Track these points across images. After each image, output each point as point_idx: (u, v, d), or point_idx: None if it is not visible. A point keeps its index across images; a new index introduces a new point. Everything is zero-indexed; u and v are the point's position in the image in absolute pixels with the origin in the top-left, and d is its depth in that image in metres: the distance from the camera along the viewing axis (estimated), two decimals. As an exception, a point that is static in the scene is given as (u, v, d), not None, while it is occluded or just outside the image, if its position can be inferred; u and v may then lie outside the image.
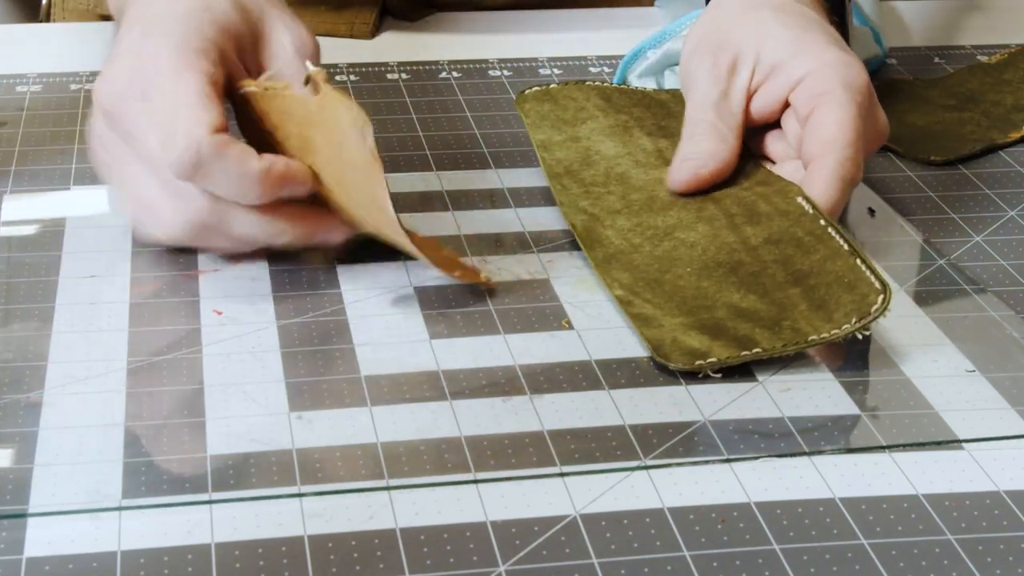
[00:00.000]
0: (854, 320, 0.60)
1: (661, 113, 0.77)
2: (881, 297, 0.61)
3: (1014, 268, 0.70)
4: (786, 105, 0.72)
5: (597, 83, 0.80)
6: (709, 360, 0.60)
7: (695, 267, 0.65)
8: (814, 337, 0.60)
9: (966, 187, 0.78)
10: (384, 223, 0.65)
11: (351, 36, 0.96)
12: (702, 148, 0.71)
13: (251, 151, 0.63)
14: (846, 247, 0.64)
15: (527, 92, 0.79)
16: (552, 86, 0.80)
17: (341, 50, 0.94)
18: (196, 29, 0.67)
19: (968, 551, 0.51)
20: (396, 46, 0.96)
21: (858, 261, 0.63)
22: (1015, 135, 0.83)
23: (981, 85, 0.90)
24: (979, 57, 0.95)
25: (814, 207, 0.66)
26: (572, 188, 0.72)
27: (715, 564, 0.50)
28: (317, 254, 0.69)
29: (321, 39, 0.95)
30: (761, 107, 0.73)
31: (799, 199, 0.67)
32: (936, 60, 0.95)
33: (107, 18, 0.99)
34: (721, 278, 0.64)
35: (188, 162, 0.63)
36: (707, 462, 0.56)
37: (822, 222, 0.66)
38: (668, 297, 0.64)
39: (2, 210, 0.73)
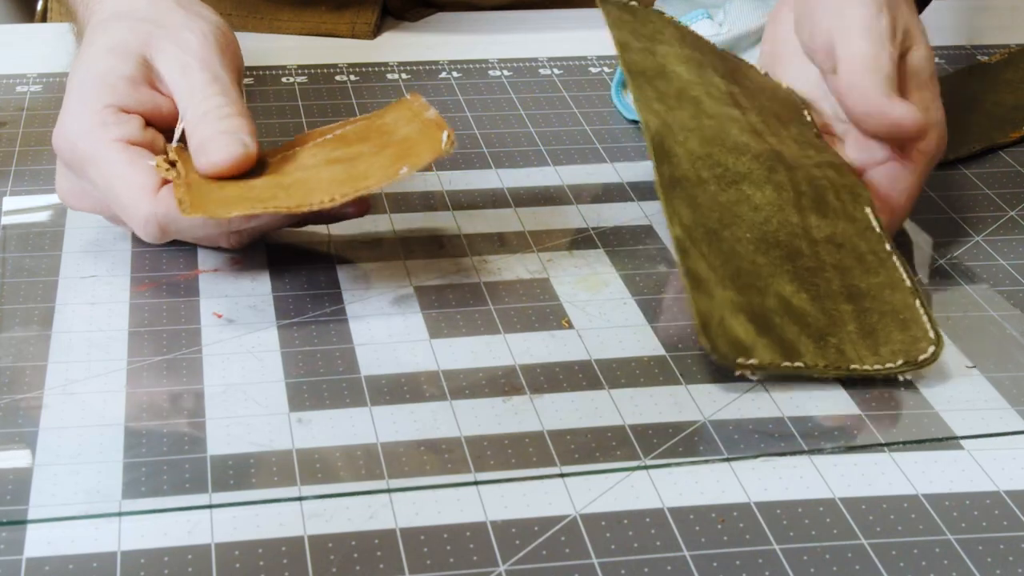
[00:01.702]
0: (900, 362, 0.60)
1: (732, 66, 0.74)
2: (932, 348, 0.60)
3: (1014, 268, 0.70)
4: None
5: (672, 18, 0.75)
6: (751, 361, 0.59)
7: (755, 235, 0.63)
8: (856, 367, 0.60)
9: (966, 187, 0.78)
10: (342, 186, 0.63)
11: (352, 36, 0.96)
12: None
13: None
14: (908, 283, 0.63)
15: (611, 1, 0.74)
16: (634, 3, 0.75)
17: (341, 50, 0.94)
18: (105, 84, 0.67)
19: (968, 551, 0.51)
20: (396, 46, 0.96)
21: (917, 302, 0.62)
22: (1015, 135, 0.83)
23: (981, 85, 0.90)
24: (979, 57, 0.95)
25: (881, 226, 0.66)
26: (647, 89, 0.68)
27: (715, 564, 0.50)
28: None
29: (321, 39, 0.96)
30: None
31: (867, 209, 0.66)
32: (936, 60, 0.95)
33: None
34: (777, 261, 0.63)
35: (154, 235, 0.66)
36: (707, 462, 0.56)
37: (887, 247, 0.65)
38: (723, 260, 0.62)
39: (2, 210, 0.73)
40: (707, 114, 0.68)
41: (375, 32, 0.97)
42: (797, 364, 0.60)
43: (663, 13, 0.76)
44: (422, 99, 0.69)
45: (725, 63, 0.74)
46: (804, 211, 0.65)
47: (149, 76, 0.69)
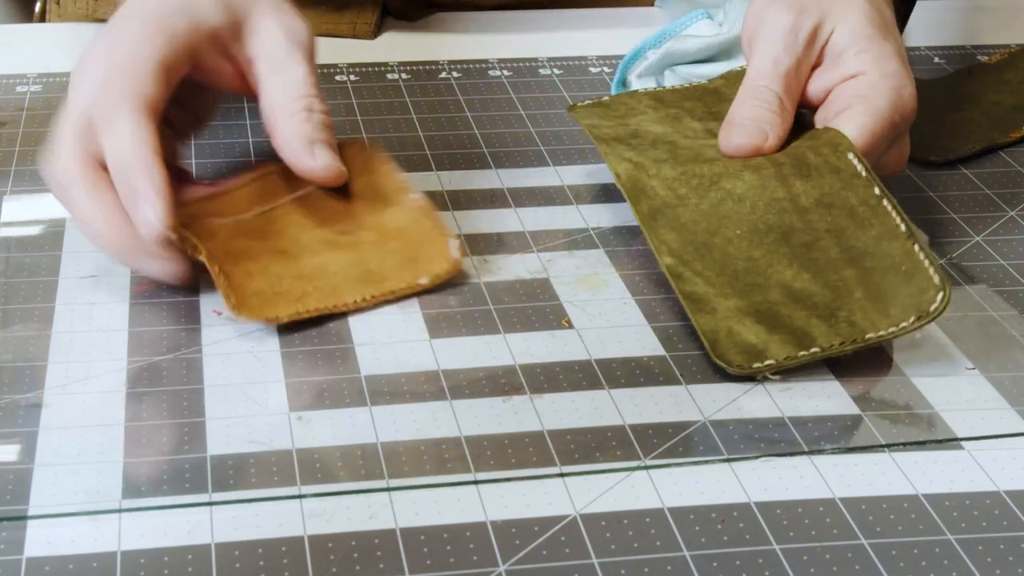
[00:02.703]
0: (912, 318, 0.60)
1: (713, 99, 0.75)
2: (941, 296, 0.60)
3: (1014, 268, 0.70)
4: (827, 94, 0.71)
5: (650, 89, 0.78)
6: (767, 362, 0.59)
7: (744, 229, 0.64)
8: (871, 335, 0.60)
9: (966, 187, 0.78)
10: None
11: (353, 36, 0.96)
12: (765, 117, 0.69)
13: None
14: (903, 227, 0.63)
15: (578, 104, 0.77)
16: (604, 98, 0.77)
17: (341, 50, 0.94)
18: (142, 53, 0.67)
19: (968, 551, 0.51)
20: (396, 46, 0.96)
21: (916, 247, 0.62)
22: (1015, 135, 0.83)
23: (981, 85, 0.90)
24: (979, 57, 0.95)
25: (867, 168, 0.65)
26: (618, 147, 0.70)
27: (715, 564, 0.50)
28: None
29: (321, 39, 0.96)
30: (810, 90, 0.71)
31: (850, 155, 0.65)
32: (936, 60, 0.95)
33: (105, 22, 0.99)
34: (772, 247, 0.63)
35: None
36: (707, 462, 0.56)
37: (876, 190, 0.64)
38: (719, 269, 0.63)
39: (2, 210, 0.73)
40: (681, 147, 0.70)
41: (375, 32, 0.97)
42: (813, 350, 0.60)
43: (637, 91, 0.78)
44: (379, 154, 0.72)
45: (705, 102, 0.75)
46: (787, 180, 0.65)
47: (230, 37, 0.70)
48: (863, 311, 0.61)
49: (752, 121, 0.69)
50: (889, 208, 0.64)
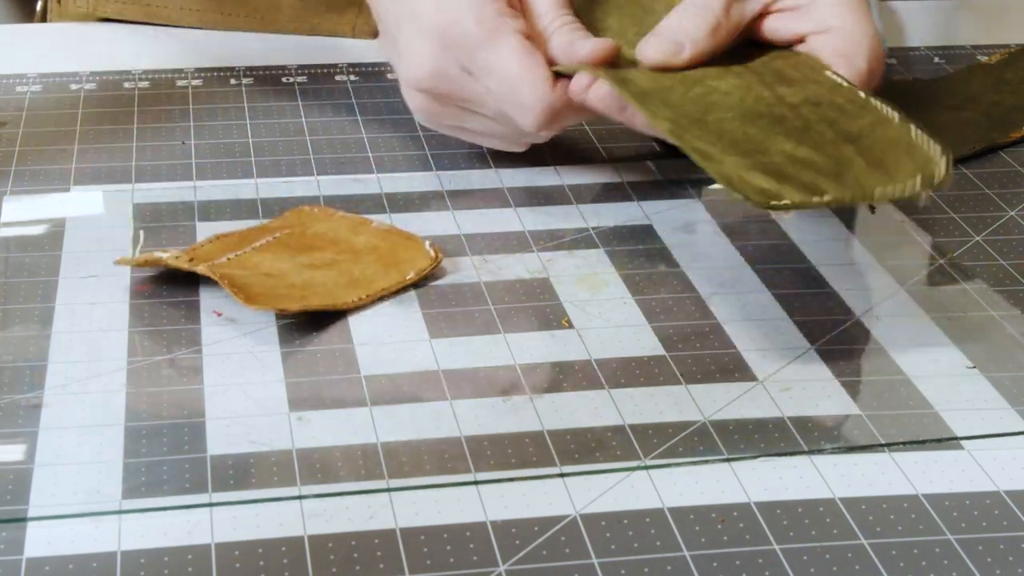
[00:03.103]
0: (918, 178, 0.59)
1: None
2: (944, 162, 0.59)
3: (1014, 268, 0.70)
4: (798, 41, 0.71)
5: None
6: (783, 202, 0.58)
7: (736, 113, 0.63)
8: (879, 188, 0.59)
9: (966, 187, 0.78)
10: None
11: (353, 36, 0.96)
12: (690, 29, 0.69)
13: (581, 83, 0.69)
14: (896, 117, 0.62)
15: None
16: None
17: (341, 50, 0.94)
18: None
19: (968, 551, 0.51)
20: (396, 46, 0.95)
21: (912, 128, 0.61)
22: (1015, 135, 0.83)
23: (981, 85, 0.90)
24: (979, 57, 0.95)
25: (847, 81, 0.65)
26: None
27: (715, 564, 0.50)
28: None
29: (322, 39, 0.96)
30: (774, 29, 0.71)
31: (828, 72, 0.65)
32: (936, 60, 0.95)
33: (107, 20, 0.99)
34: (767, 127, 0.63)
35: (543, 122, 0.70)
36: (707, 462, 0.56)
37: (862, 94, 0.64)
38: (717, 136, 0.62)
39: (2, 210, 0.73)
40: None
41: (375, 32, 0.97)
42: (827, 198, 0.59)
43: None
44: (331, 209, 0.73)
45: None
46: (771, 86, 0.66)
47: None
48: (868, 175, 0.60)
49: (671, 31, 0.69)
50: (877, 103, 0.63)
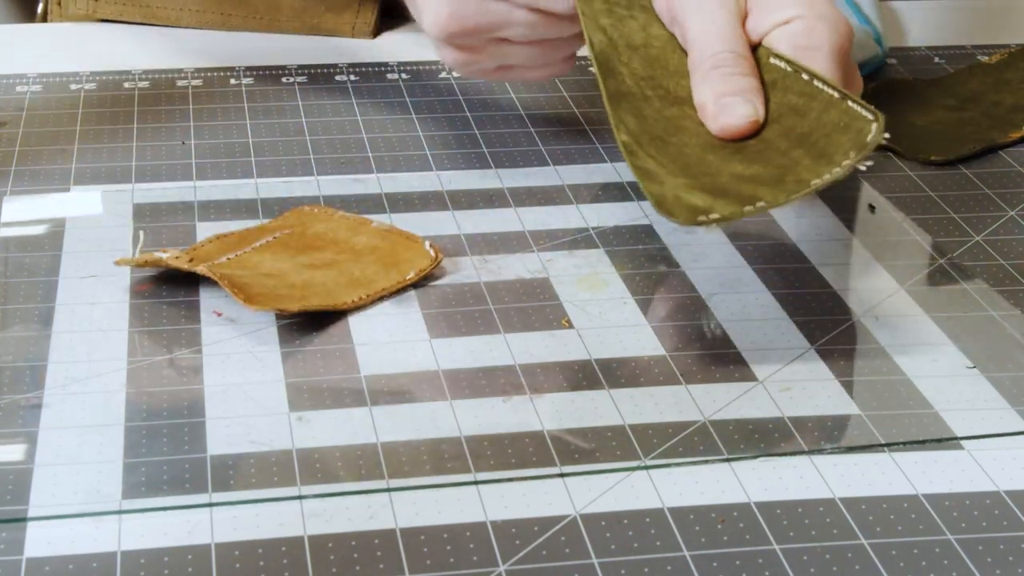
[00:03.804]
0: (852, 155, 0.59)
1: None
2: (874, 125, 0.60)
3: (1014, 268, 0.70)
4: (758, 43, 0.69)
5: None
6: (712, 216, 0.59)
7: (700, 141, 0.64)
8: (816, 181, 0.59)
9: (966, 187, 0.78)
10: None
11: (352, 36, 0.96)
12: (747, 85, 0.66)
13: None
14: (836, 94, 0.63)
15: None
16: None
17: (341, 50, 0.94)
18: None
19: (968, 551, 0.51)
20: (396, 46, 0.96)
21: (849, 102, 0.62)
22: (1015, 135, 0.83)
23: (981, 85, 0.90)
24: (979, 57, 0.95)
25: (788, 62, 0.65)
26: (595, 3, 0.71)
27: (715, 564, 0.50)
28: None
29: (322, 39, 0.96)
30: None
31: (772, 60, 0.66)
32: (936, 60, 0.95)
33: (107, 21, 0.99)
34: (727, 156, 0.63)
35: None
36: (707, 462, 0.56)
37: (804, 76, 0.65)
38: (672, 159, 0.63)
39: (2, 210, 0.73)
40: (657, 22, 0.70)
41: (375, 32, 0.97)
42: (759, 205, 0.59)
43: None
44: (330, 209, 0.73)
45: None
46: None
47: None
48: (809, 170, 0.61)
49: (732, 97, 0.66)
50: (820, 85, 0.64)
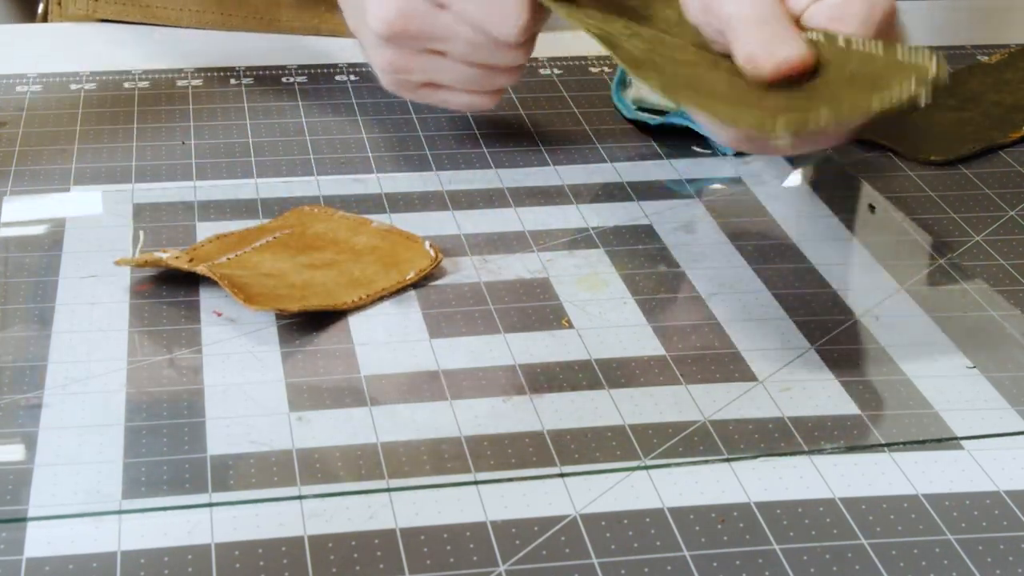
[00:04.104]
0: (913, 81, 0.57)
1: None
2: (934, 60, 0.58)
3: (1014, 268, 0.70)
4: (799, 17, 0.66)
5: None
6: (780, 122, 0.57)
7: (732, 75, 0.62)
8: (877, 101, 0.57)
9: (966, 187, 0.78)
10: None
11: (353, 36, 0.96)
12: (795, 32, 0.64)
13: None
14: (880, 46, 0.61)
15: None
16: None
17: (341, 50, 0.94)
18: None
19: (968, 551, 0.51)
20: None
21: (898, 47, 0.60)
22: (1015, 135, 0.83)
23: (981, 85, 0.90)
24: (979, 57, 0.95)
25: (821, 32, 0.63)
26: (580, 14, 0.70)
27: (715, 564, 0.50)
28: None
29: (322, 39, 0.96)
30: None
31: (810, 34, 0.64)
32: (936, 60, 0.95)
33: (107, 21, 0.99)
34: (770, 90, 0.61)
35: (526, 23, 0.71)
36: (707, 462, 0.56)
37: (841, 41, 0.62)
38: (709, 95, 0.61)
39: (2, 210, 0.73)
40: (645, 30, 0.68)
41: None
42: (823, 118, 0.58)
43: None
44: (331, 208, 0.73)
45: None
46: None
47: None
48: (863, 97, 0.58)
49: (782, 38, 0.63)
50: (857, 43, 0.62)
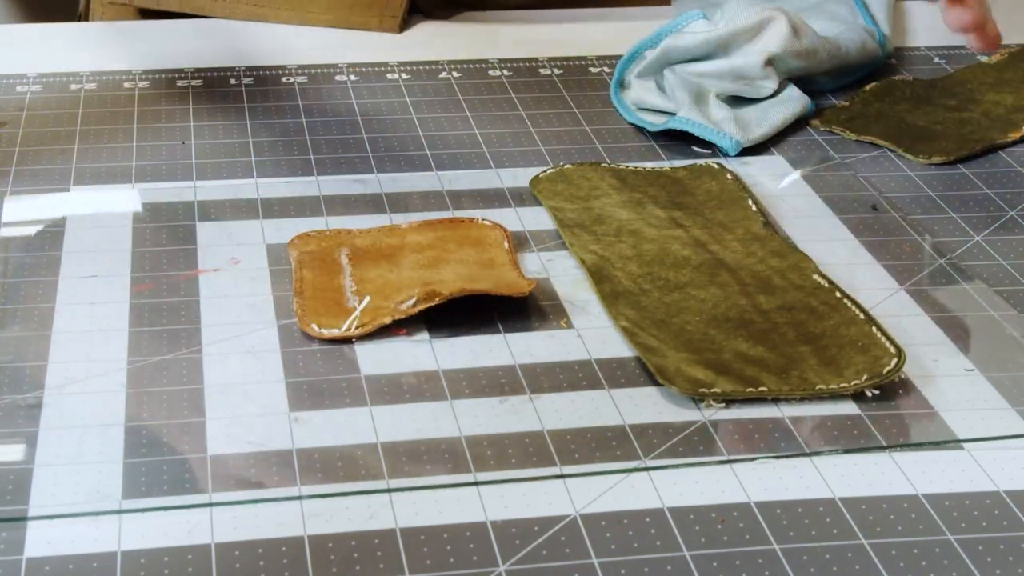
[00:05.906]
0: (864, 377, 0.59)
1: (676, 191, 0.75)
2: (895, 360, 0.60)
3: (1014, 268, 0.70)
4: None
5: (612, 165, 0.78)
6: (713, 390, 0.59)
7: (704, 318, 0.64)
8: (822, 387, 0.59)
9: (966, 187, 0.78)
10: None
11: (381, 29, 0.96)
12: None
13: None
14: (862, 315, 0.63)
15: (541, 175, 0.77)
16: (566, 167, 0.77)
17: (341, 50, 0.94)
18: None
19: (968, 551, 0.51)
20: (396, 46, 0.96)
21: (874, 328, 0.62)
22: (1015, 135, 0.83)
23: (981, 85, 0.90)
24: (979, 57, 0.95)
25: (830, 281, 0.66)
26: (583, 236, 0.71)
27: (715, 564, 0.50)
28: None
29: (322, 38, 0.96)
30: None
31: (815, 276, 0.66)
32: (936, 60, 0.95)
33: (145, 12, 0.99)
34: (730, 330, 0.63)
35: None
36: (707, 462, 0.56)
37: (838, 294, 0.65)
38: (674, 336, 0.63)
39: (2, 210, 0.73)
40: (647, 239, 0.70)
41: (403, 25, 0.97)
42: (761, 389, 0.59)
43: (599, 164, 0.78)
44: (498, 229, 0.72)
45: (668, 191, 0.75)
46: (751, 295, 0.65)
47: None
48: (815, 372, 0.60)
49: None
50: (849, 304, 0.64)
